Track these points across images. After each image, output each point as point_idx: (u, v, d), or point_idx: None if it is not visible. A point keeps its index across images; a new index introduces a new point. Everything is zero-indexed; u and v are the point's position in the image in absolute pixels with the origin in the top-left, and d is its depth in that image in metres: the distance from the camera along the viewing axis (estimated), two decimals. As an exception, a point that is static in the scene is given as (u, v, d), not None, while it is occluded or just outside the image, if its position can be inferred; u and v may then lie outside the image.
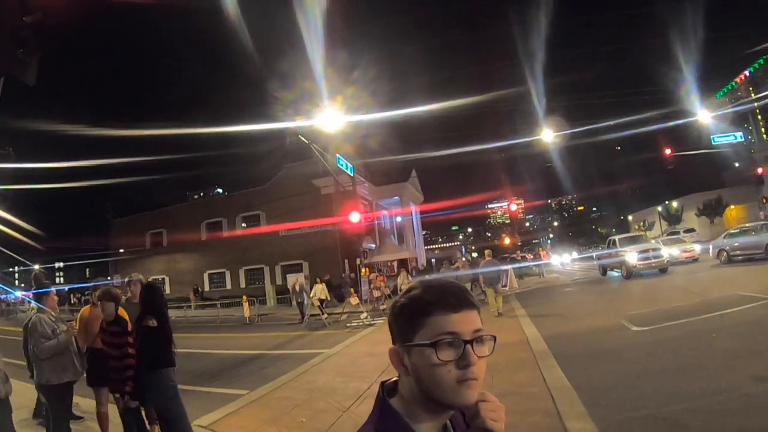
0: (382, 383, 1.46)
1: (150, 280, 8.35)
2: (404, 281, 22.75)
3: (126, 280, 7.90)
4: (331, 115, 23.39)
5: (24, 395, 6.84)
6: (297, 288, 25.16)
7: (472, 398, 1.29)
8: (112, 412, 6.80)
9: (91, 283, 9.35)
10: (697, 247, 27.88)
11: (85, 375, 6.79)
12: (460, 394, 1.27)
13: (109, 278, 45.20)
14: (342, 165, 27.74)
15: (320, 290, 24.30)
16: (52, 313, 6.67)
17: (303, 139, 23.03)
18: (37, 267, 50.14)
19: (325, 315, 23.10)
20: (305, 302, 24.39)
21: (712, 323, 10.98)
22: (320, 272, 37.85)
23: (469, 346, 1.28)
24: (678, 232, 55.85)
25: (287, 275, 38.13)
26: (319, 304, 23.77)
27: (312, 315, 24.20)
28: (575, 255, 52.80)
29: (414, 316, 1.34)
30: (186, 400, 6.02)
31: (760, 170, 43.36)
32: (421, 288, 1.39)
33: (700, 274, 21.75)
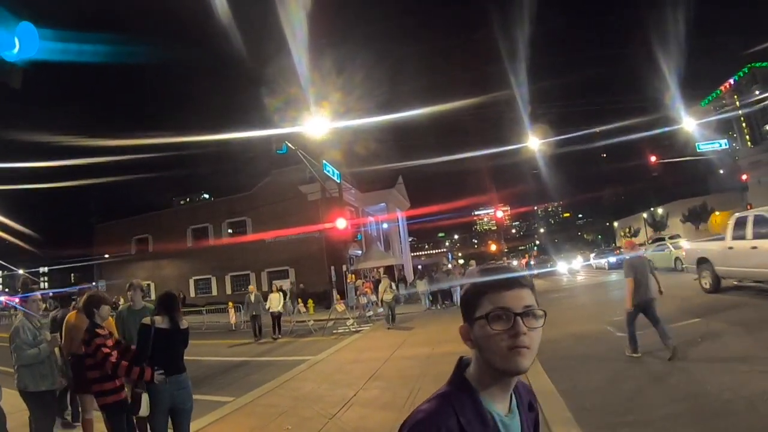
0: (461, 358, 1.62)
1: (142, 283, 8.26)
2: (386, 289, 21.22)
3: (128, 285, 7.83)
4: (318, 122, 23.37)
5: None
6: (252, 298, 22.09)
7: (522, 364, 1.45)
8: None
9: (75, 288, 9.33)
10: None
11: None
12: (512, 360, 1.44)
13: (93, 283, 44.94)
14: (328, 171, 27.68)
15: (275, 301, 22.03)
16: (38, 318, 6.61)
17: (289, 145, 22.95)
18: (22, 272, 49.76)
19: (279, 336, 21.12)
20: (261, 315, 21.84)
21: (698, 328, 11.08)
22: (306, 279, 37.91)
23: (519, 317, 1.46)
24: (663, 239, 56.21)
25: (273, 281, 38.00)
26: (274, 320, 21.73)
27: (298, 321, 24.09)
28: (586, 259, 48.40)
29: (474, 296, 1.55)
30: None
31: (744, 177, 43.83)
32: (481, 272, 1.60)
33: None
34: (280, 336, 21.14)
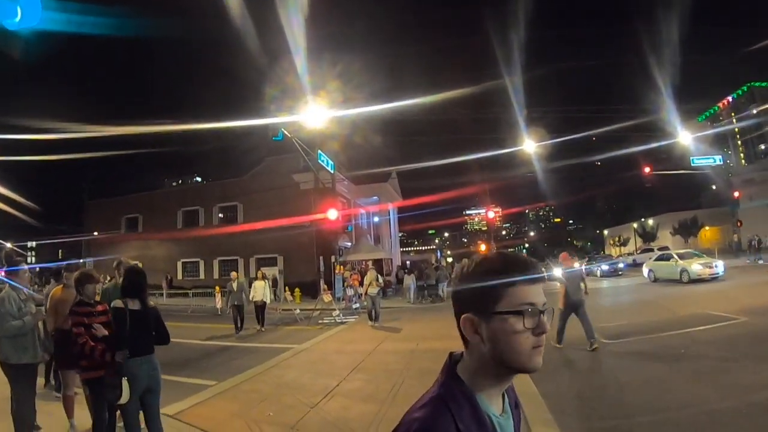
0: (451, 354, 1.51)
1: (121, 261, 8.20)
2: (371, 281, 19.34)
3: (115, 263, 7.81)
4: (315, 111, 23.33)
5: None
6: (234, 286, 19.55)
7: (540, 363, 1.38)
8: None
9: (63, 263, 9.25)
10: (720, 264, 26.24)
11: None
12: (533, 359, 1.37)
13: (81, 260, 44.73)
14: (323, 161, 27.63)
15: (260, 290, 19.80)
16: (24, 290, 6.57)
17: (286, 132, 22.88)
18: (9, 245, 49.41)
19: (260, 327, 19.25)
20: (244, 306, 19.23)
21: (682, 339, 11.13)
22: (295, 268, 37.83)
23: (543, 315, 1.39)
24: (652, 249, 56.41)
25: (261, 268, 37.93)
26: (258, 310, 19.61)
27: (284, 309, 24.01)
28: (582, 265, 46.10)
29: (495, 285, 1.40)
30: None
31: (736, 194, 43.92)
32: (502, 260, 1.47)
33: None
34: (263, 329, 19.10)
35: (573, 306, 11.93)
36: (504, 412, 1.48)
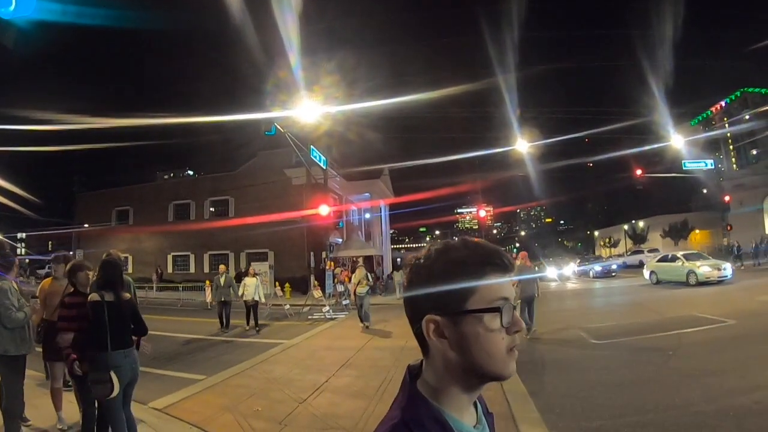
0: (409, 366, 1.30)
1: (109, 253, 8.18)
2: (360, 280, 17.32)
3: (104, 256, 7.82)
4: (308, 107, 23.31)
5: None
6: (221, 281, 18.10)
7: (514, 368, 1.20)
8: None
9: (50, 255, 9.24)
10: (728, 266, 25.19)
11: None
12: (509, 364, 1.19)
13: (70, 251, 44.57)
14: (315, 157, 27.61)
15: (251, 287, 18.04)
16: (14, 284, 6.55)
17: (278, 127, 22.83)
18: (0, 236, 49.12)
19: (249, 326, 17.90)
20: (231, 302, 18.01)
21: (669, 341, 11.19)
22: (285, 263, 37.79)
23: (515, 311, 1.20)
24: (642, 251, 56.66)
25: (252, 263, 37.86)
26: (248, 309, 18.09)
27: (274, 305, 23.91)
28: (580, 265, 45.08)
29: (465, 279, 1.18)
30: (141, 382, 5.94)
31: (727, 198, 44.20)
32: (466, 248, 1.25)
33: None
34: (257, 328, 17.60)
35: (527, 300, 13.48)
36: (479, 423, 1.30)
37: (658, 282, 26.97)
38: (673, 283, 25.35)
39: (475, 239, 1.30)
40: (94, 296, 5.43)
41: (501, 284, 1.20)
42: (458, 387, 1.21)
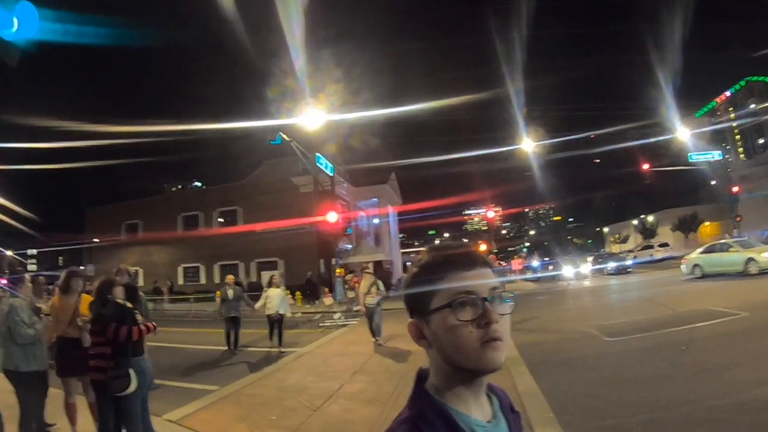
0: (420, 368, 1.36)
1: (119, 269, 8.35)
2: (369, 288, 15.02)
3: (115, 270, 7.94)
4: (313, 114, 23.35)
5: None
6: (230, 293, 15.50)
7: (498, 360, 1.21)
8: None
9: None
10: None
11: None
12: (484, 356, 1.19)
13: (81, 267, 44.80)
14: (321, 164, 27.68)
15: (276, 299, 15.23)
16: (25, 301, 6.59)
17: (284, 136, 22.89)
18: (9, 253, 49.33)
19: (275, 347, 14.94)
20: (241, 318, 15.57)
21: (682, 336, 11.13)
22: (295, 271, 37.79)
23: (488, 303, 1.22)
24: (652, 246, 56.45)
25: (262, 272, 37.94)
26: (273, 325, 15.29)
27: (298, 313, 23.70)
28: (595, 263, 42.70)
29: (427, 282, 1.27)
30: (156, 394, 6.04)
31: (735, 189, 43.93)
32: (430, 253, 1.35)
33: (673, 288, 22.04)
34: (280, 348, 14.83)
35: None
36: (494, 418, 1.33)
37: (704, 276, 24.34)
38: (723, 276, 23.13)
39: (448, 243, 1.38)
40: (120, 300, 5.96)
41: (465, 280, 1.25)
42: (454, 382, 1.25)
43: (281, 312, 15.25)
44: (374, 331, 14.63)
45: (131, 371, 5.48)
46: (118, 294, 6.08)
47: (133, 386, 5.45)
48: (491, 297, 1.24)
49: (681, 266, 26.71)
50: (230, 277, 16.47)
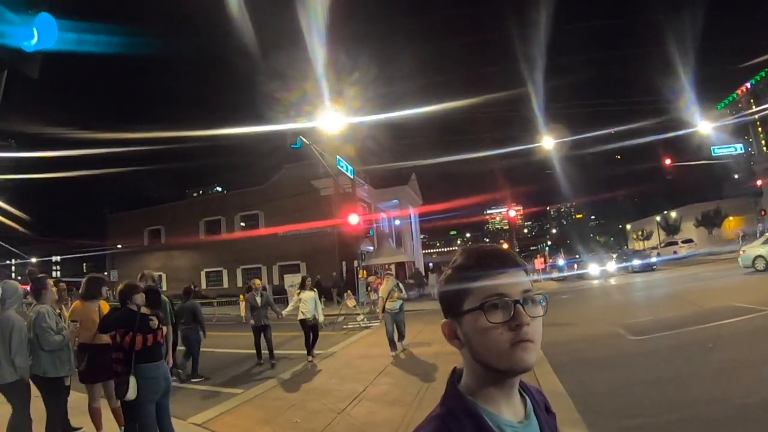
0: (454, 369, 1.41)
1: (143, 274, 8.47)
2: (390, 292, 13.82)
3: (139, 276, 8.08)
4: (332, 117, 23.38)
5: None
6: (259, 300, 13.77)
7: (528, 361, 1.23)
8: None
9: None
10: None
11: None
12: (514, 357, 1.22)
13: (105, 273, 45.37)
14: (342, 167, 27.70)
15: (310, 303, 13.73)
16: (50, 308, 6.65)
17: (304, 139, 22.91)
18: (33, 260, 49.93)
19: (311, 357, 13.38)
20: (271, 326, 13.84)
21: (708, 333, 11.00)
22: (317, 273, 37.85)
23: (519, 305, 1.25)
24: (676, 242, 55.89)
25: (285, 275, 38.05)
26: (309, 332, 13.70)
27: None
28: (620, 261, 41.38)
29: (460, 283, 1.31)
30: (180, 398, 6.07)
31: (759, 182, 43.50)
32: (463, 255, 1.38)
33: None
34: (310, 357, 13.43)
35: None
36: (526, 418, 1.34)
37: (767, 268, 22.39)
38: None
39: (487, 245, 1.44)
40: (132, 306, 6.06)
41: (498, 282, 1.28)
42: (486, 382, 1.29)
43: (318, 318, 14.12)
44: (392, 341, 13.41)
45: (131, 378, 5.54)
46: (138, 300, 6.12)
47: (131, 394, 5.51)
48: (523, 299, 1.26)
49: (738, 259, 24.46)
50: (257, 282, 14.70)
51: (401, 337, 13.76)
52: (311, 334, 13.65)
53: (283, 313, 14.51)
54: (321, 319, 14.60)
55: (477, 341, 1.26)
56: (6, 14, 4.67)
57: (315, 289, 14.63)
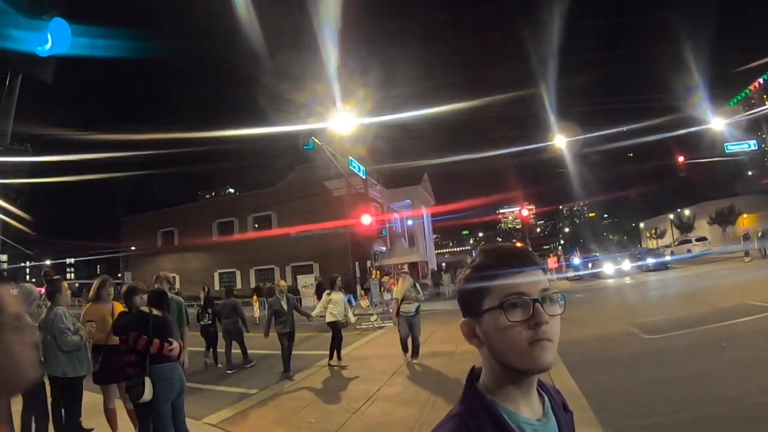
0: (473, 368, 1.41)
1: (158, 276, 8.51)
2: (404, 293, 12.55)
3: (154, 277, 8.18)
4: (344, 118, 23.42)
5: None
6: (284, 303, 12.19)
7: (546, 360, 1.24)
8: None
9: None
10: None
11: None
12: (533, 356, 1.23)
13: (119, 275, 45.70)
14: (354, 167, 27.68)
15: (339, 304, 13.26)
16: (66, 309, 6.70)
17: (316, 141, 22.94)
18: (48, 262, 50.25)
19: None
20: (288, 325, 12.06)
21: (723, 332, 10.94)
22: (330, 274, 37.85)
23: (538, 304, 1.26)
24: (689, 240, 55.50)
25: (298, 276, 38.12)
26: (336, 335, 12.99)
27: (321, 316, 22.64)
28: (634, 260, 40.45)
29: (479, 283, 1.32)
30: (196, 398, 6.10)
31: (773, 178, 43.08)
32: (482, 255, 1.39)
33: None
34: (341, 363, 12.68)
35: None
36: (544, 416, 1.35)
37: None
38: None
39: (505, 244, 1.46)
40: (144, 309, 6.12)
41: (512, 281, 1.28)
42: (505, 381, 1.29)
43: (343, 319, 13.37)
44: (405, 344, 12.65)
45: (146, 380, 5.58)
46: (139, 302, 6.20)
47: (147, 395, 5.55)
48: (542, 298, 1.27)
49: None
50: (281, 282, 13.30)
51: (415, 350, 12.58)
52: (338, 336, 13.04)
53: (314, 314, 13.52)
54: (353, 319, 14.59)
55: (496, 340, 1.27)
56: (21, 20, 4.73)
57: (342, 291, 14.00)
